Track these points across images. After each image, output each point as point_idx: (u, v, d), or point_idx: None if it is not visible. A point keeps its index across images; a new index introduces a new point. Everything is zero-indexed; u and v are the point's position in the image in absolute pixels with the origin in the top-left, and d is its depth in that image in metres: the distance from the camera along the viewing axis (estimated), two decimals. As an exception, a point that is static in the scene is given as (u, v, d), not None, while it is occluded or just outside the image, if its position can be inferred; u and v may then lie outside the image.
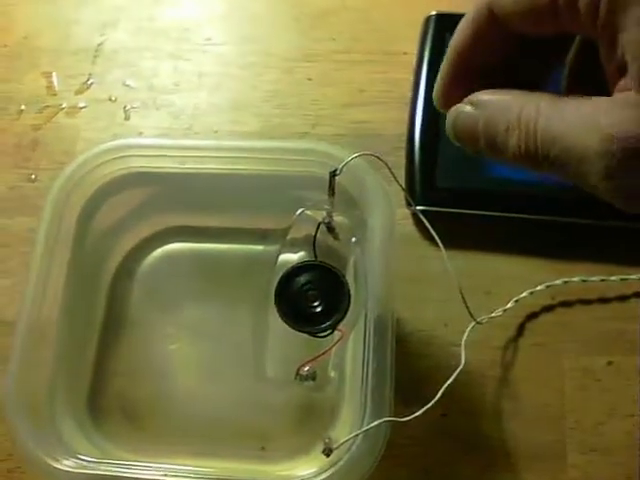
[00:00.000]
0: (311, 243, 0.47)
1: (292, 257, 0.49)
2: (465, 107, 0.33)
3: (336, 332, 0.46)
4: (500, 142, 0.32)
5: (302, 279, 0.46)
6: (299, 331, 0.46)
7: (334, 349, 0.47)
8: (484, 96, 0.33)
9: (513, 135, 0.30)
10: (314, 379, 0.48)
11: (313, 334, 0.46)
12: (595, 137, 0.27)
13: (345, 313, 0.45)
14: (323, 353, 0.47)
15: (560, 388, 0.55)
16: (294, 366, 0.48)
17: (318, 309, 0.46)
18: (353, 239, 0.50)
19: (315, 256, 0.47)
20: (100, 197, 0.56)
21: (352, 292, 0.46)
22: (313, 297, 0.46)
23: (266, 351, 0.50)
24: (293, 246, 0.49)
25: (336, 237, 0.48)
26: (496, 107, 0.32)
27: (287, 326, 0.45)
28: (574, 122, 0.28)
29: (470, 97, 0.33)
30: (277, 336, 0.49)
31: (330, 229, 0.48)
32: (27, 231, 0.63)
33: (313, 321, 0.45)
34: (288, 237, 0.49)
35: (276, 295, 0.45)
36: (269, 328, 0.49)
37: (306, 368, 0.48)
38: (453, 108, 0.34)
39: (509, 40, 0.32)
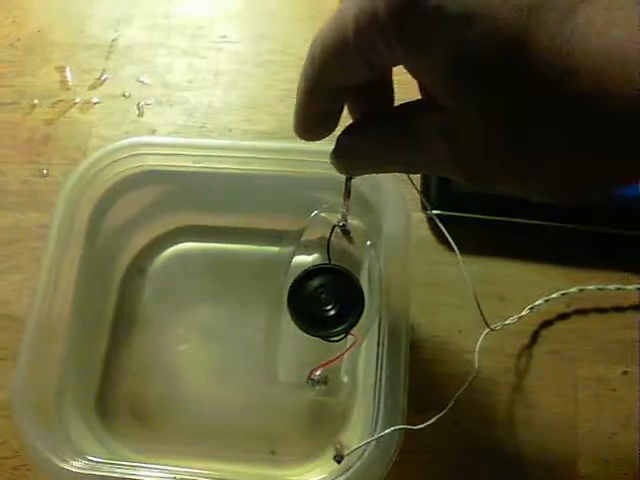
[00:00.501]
0: (325, 246, 0.47)
1: (306, 259, 0.49)
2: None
3: (349, 337, 0.46)
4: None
5: (315, 282, 0.45)
6: (312, 335, 0.45)
7: (347, 354, 0.47)
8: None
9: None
10: (325, 383, 0.48)
11: (326, 338, 0.45)
12: None
13: (358, 317, 0.45)
14: (336, 358, 0.47)
15: (574, 397, 0.54)
16: (306, 370, 0.47)
17: (331, 313, 0.45)
18: (368, 242, 0.49)
19: (329, 259, 0.46)
20: (113, 195, 0.55)
21: (366, 296, 0.45)
22: (326, 301, 0.45)
23: (278, 354, 0.50)
24: (307, 248, 0.49)
25: (350, 240, 0.48)
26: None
27: (299, 330, 0.45)
28: None
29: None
30: (289, 339, 0.49)
31: (345, 232, 0.48)
32: (38, 227, 0.63)
33: (326, 325, 0.45)
34: (302, 239, 0.49)
35: (289, 298, 0.45)
36: (281, 331, 0.49)
37: (318, 372, 0.47)
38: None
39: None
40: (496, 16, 0.26)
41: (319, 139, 0.37)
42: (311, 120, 0.36)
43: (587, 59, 0.25)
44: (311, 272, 0.46)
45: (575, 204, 0.52)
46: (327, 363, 0.47)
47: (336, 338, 0.45)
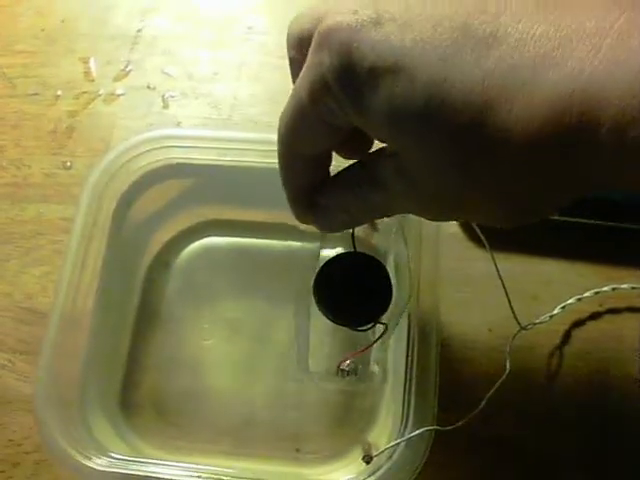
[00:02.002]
0: (349, 239, 0.46)
1: (331, 253, 0.48)
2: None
3: (379, 326, 0.45)
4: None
5: (342, 270, 0.45)
6: (338, 324, 0.44)
7: (376, 343, 0.46)
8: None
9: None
10: (356, 373, 0.47)
11: (353, 327, 0.44)
12: None
13: (386, 306, 0.44)
14: (366, 348, 0.46)
15: (606, 398, 0.53)
16: (336, 360, 0.47)
17: (358, 301, 0.44)
18: (394, 229, 0.48)
19: (354, 247, 0.45)
20: (138, 188, 0.55)
21: (394, 285, 0.45)
22: (353, 289, 0.44)
23: (308, 346, 0.48)
24: (331, 242, 0.48)
25: (375, 229, 0.47)
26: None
27: (327, 319, 0.44)
28: None
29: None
30: (318, 330, 0.48)
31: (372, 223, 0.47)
32: (61, 219, 0.63)
33: (353, 314, 0.44)
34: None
35: (315, 286, 0.44)
36: (310, 322, 0.48)
37: (347, 362, 0.47)
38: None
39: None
40: (417, 67, 0.29)
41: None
42: (303, 199, 0.39)
43: (502, 92, 0.27)
44: (337, 260, 0.45)
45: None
46: (356, 353, 0.46)
47: (363, 327, 0.44)
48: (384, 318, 0.44)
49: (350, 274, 0.44)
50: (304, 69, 0.32)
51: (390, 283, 0.44)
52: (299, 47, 0.34)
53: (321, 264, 0.46)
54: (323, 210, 0.39)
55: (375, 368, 0.49)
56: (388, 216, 0.40)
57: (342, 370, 0.47)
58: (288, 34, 0.35)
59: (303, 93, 0.32)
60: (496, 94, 0.27)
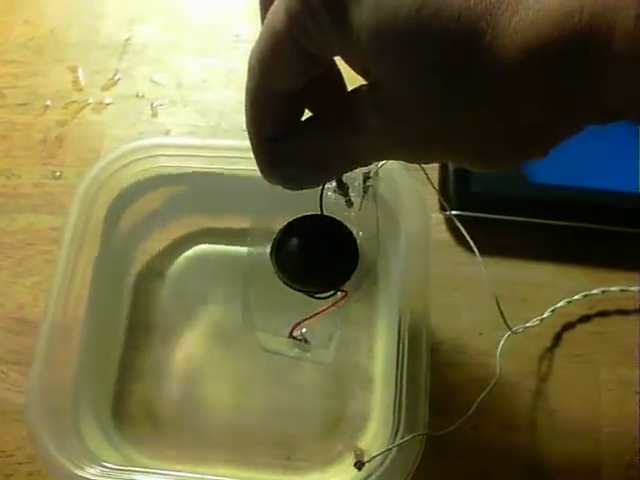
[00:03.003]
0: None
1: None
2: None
3: (339, 293, 0.41)
4: None
5: (304, 233, 0.41)
6: (295, 289, 0.41)
7: (333, 308, 0.42)
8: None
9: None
10: (306, 341, 0.43)
11: (311, 294, 0.41)
12: None
13: (350, 273, 0.40)
14: (320, 312, 0.41)
15: (597, 401, 0.53)
16: (287, 324, 0.43)
17: (319, 266, 0.40)
18: (364, 186, 0.44)
19: (321, 209, 0.41)
20: (128, 197, 0.55)
21: (362, 249, 0.41)
22: (314, 253, 0.41)
23: (257, 305, 0.45)
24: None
25: (349, 204, 0.43)
26: None
27: (283, 283, 0.40)
28: None
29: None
30: (273, 288, 0.43)
31: (340, 186, 0.42)
32: (51, 229, 0.63)
33: (312, 280, 0.40)
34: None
35: (273, 248, 0.41)
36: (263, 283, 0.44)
37: (302, 330, 0.43)
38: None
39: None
40: None
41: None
42: (272, 151, 0.35)
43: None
44: (301, 221, 0.41)
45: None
46: (310, 317, 0.42)
47: (323, 295, 0.41)
48: (347, 286, 0.41)
49: (313, 237, 0.41)
50: None
51: (356, 249, 0.41)
52: None
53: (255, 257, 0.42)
54: (287, 159, 0.35)
55: (329, 337, 0.45)
56: (362, 165, 0.36)
57: (294, 337, 0.43)
58: None
59: (278, 14, 0.30)
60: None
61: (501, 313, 0.49)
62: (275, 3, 0.30)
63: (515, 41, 0.25)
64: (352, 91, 0.33)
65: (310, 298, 0.41)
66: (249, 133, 0.35)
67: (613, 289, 0.55)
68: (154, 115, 0.67)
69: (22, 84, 0.71)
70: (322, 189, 0.40)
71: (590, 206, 0.56)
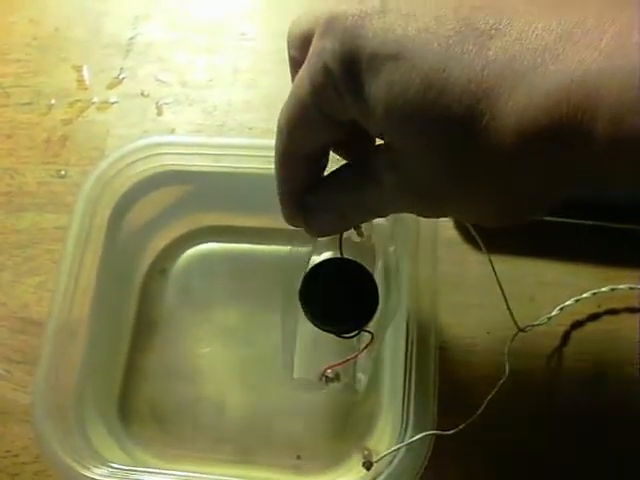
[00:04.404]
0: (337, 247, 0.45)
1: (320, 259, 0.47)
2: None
3: (366, 335, 0.44)
4: None
5: (328, 276, 0.44)
6: (323, 330, 0.43)
7: (363, 352, 0.45)
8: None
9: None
10: (339, 380, 0.47)
11: (338, 334, 0.44)
12: None
13: (372, 313, 0.43)
14: (351, 357, 0.45)
15: (606, 398, 0.53)
16: (320, 367, 0.47)
17: (344, 308, 0.43)
18: (383, 237, 0.48)
19: (341, 252, 0.44)
20: (133, 195, 0.55)
21: (382, 293, 0.44)
22: (339, 295, 0.43)
23: (294, 352, 0.48)
24: (322, 247, 0.48)
25: (360, 234, 0.46)
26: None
27: (314, 326, 0.43)
28: None
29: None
30: (304, 336, 0.48)
31: (356, 226, 0.46)
32: (56, 228, 0.62)
33: (338, 321, 0.43)
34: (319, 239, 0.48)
35: (301, 292, 0.43)
36: (297, 329, 0.48)
37: (331, 370, 0.46)
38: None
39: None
40: (418, 56, 0.29)
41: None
42: (296, 200, 0.38)
43: (502, 82, 0.28)
44: (324, 265, 0.44)
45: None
46: (342, 362, 0.46)
47: (349, 334, 0.44)
48: (371, 326, 0.44)
49: (337, 280, 0.44)
50: (306, 61, 0.33)
51: (377, 291, 0.43)
52: (300, 46, 0.34)
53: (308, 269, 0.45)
54: (313, 211, 0.38)
55: (360, 377, 0.49)
56: (379, 217, 0.40)
57: (326, 377, 0.47)
58: (289, 33, 0.36)
59: (304, 84, 0.33)
60: (495, 83, 0.28)
61: (510, 312, 0.49)
62: (301, 72, 0.33)
63: (510, 123, 0.27)
64: (372, 150, 0.35)
65: (340, 343, 0.44)
66: (278, 185, 0.38)
67: (622, 287, 0.55)
68: (159, 114, 0.67)
69: (26, 83, 0.70)
70: (341, 235, 0.43)
71: (599, 204, 0.56)
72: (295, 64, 0.36)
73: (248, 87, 0.68)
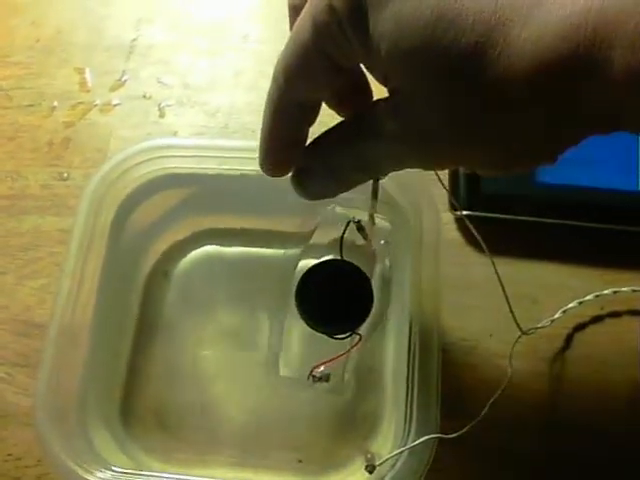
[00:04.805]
0: (335, 249, 0.45)
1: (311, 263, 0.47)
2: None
3: (356, 336, 0.44)
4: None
5: (325, 277, 0.44)
6: (317, 331, 0.44)
7: (352, 352, 0.46)
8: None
9: None
10: (327, 381, 0.47)
11: (330, 335, 0.44)
12: None
13: (366, 316, 0.43)
14: (339, 356, 0.45)
15: (608, 402, 0.53)
16: (308, 367, 0.47)
17: (338, 310, 0.43)
18: (382, 241, 0.48)
19: (341, 255, 0.44)
20: (135, 198, 0.55)
21: (376, 295, 0.44)
22: (334, 297, 0.44)
23: (281, 350, 0.49)
24: (314, 251, 0.47)
25: (365, 237, 0.46)
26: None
27: (306, 325, 0.44)
28: None
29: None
30: (293, 335, 0.48)
31: (360, 228, 0.46)
32: (58, 231, 0.62)
33: (332, 321, 0.43)
34: (311, 241, 0.48)
35: (297, 292, 0.43)
36: (286, 327, 0.48)
37: (320, 369, 0.46)
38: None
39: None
40: None
41: (285, 174, 0.38)
42: (280, 151, 0.37)
43: (516, 10, 0.27)
44: (321, 266, 0.44)
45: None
46: (330, 361, 0.45)
47: (341, 335, 0.44)
48: (361, 329, 0.44)
49: (333, 282, 0.44)
50: (308, 2, 0.32)
51: (372, 293, 0.44)
52: None
53: (300, 272, 0.45)
54: (306, 171, 0.37)
55: (347, 376, 0.49)
56: (377, 174, 0.38)
57: (313, 376, 0.46)
58: None
59: (306, 25, 0.31)
60: (510, 12, 0.27)
61: (512, 314, 0.48)
62: (302, 14, 0.32)
63: (525, 52, 0.26)
64: (372, 103, 0.34)
65: (328, 343, 0.45)
66: (263, 135, 0.37)
67: (625, 289, 0.54)
68: (161, 116, 0.67)
69: (28, 85, 0.70)
70: (342, 236, 0.44)
71: (601, 206, 0.56)
72: (295, 11, 0.34)
73: (250, 89, 0.68)
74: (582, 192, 0.56)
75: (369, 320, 0.44)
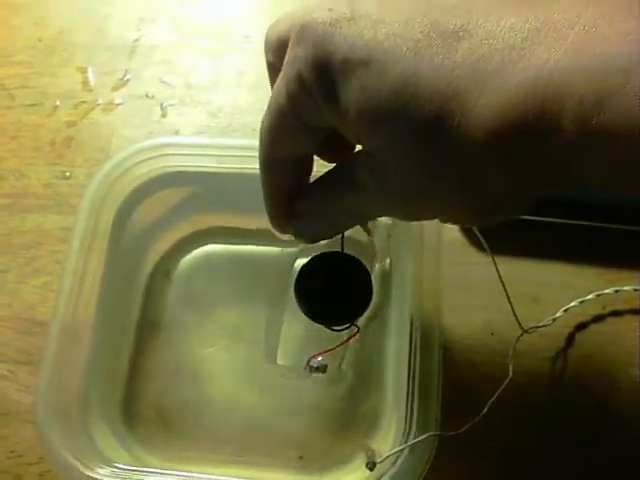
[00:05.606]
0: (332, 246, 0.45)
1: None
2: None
3: (354, 327, 0.44)
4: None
5: (325, 269, 0.44)
6: (315, 322, 0.43)
7: (348, 343, 0.46)
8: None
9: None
10: (324, 371, 0.48)
11: (329, 326, 0.44)
12: None
13: (365, 308, 0.43)
14: (337, 346, 0.46)
15: (609, 401, 0.53)
16: (305, 357, 0.47)
17: (338, 301, 0.43)
18: (387, 236, 0.48)
19: (342, 247, 0.44)
20: (137, 196, 0.55)
21: (375, 288, 0.44)
22: (334, 288, 0.43)
23: (278, 338, 0.49)
24: (310, 250, 0.47)
25: (366, 231, 0.46)
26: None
27: (305, 317, 0.43)
28: None
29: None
30: (292, 325, 0.49)
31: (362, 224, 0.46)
32: (60, 229, 0.63)
33: (331, 313, 0.43)
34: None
35: (296, 283, 0.43)
36: (285, 317, 0.48)
37: (317, 359, 0.47)
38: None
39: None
40: (388, 60, 0.29)
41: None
42: (283, 205, 0.39)
43: (471, 82, 0.28)
44: (322, 258, 0.44)
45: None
46: (327, 351, 0.46)
47: (339, 327, 0.44)
48: (360, 321, 0.44)
49: (333, 273, 0.44)
50: (282, 70, 0.33)
51: (371, 287, 0.44)
52: (277, 52, 0.35)
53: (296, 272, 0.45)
54: (302, 217, 0.39)
55: (344, 367, 0.50)
56: (367, 220, 0.41)
57: (310, 366, 0.47)
58: (266, 39, 0.36)
59: (281, 92, 0.33)
60: (465, 83, 0.28)
61: (514, 313, 0.48)
62: (278, 81, 0.34)
63: (480, 120, 0.28)
64: (354, 155, 0.36)
65: (327, 334, 0.45)
66: (263, 193, 0.39)
67: (626, 288, 0.54)
68: (164, 115, 0.67)
69: (31, 85, 0.71)
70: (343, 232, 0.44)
71: (603, 205, 0.56)
72: (273, 69, 0.36)
73: (252, 89, 0.68)
74: (584, 192, 0.56)
75: (367, 313, 0.44)
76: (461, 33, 0.28)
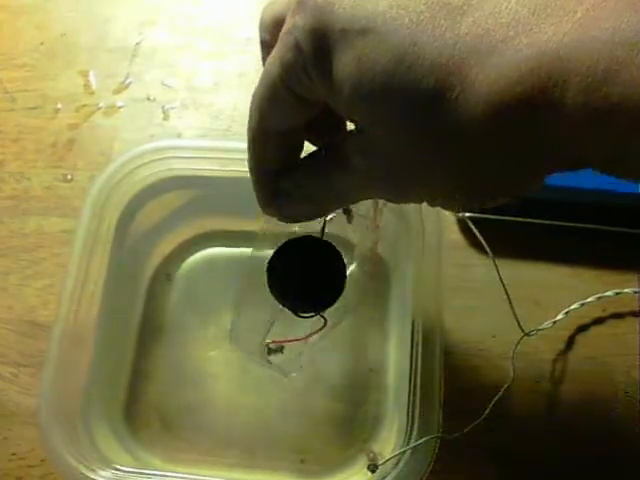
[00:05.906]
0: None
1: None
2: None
3: (323, 319, 0.44)
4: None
5: (300, 254, 0.43)
6: (282, 305, 0.43)
7: (314, 337, 0.46)
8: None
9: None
10: (281, 352, 0.47)
11: (295, 313, 0.43)
12: None
13: (334, 300, 0.42)
14: (301, 338, 0.46)
15: (611, 403, 0.53)
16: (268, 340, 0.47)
17: (308, 288, 0.42)
18: (367, 227, 0.47)
19: (322, 234, 0.43)
20: (140, 200, 0.55)
21: (352, 285, 0.43)
22: (306, 274, 0.43)
23: (241, 318, 0.49)
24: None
25: (350, 221, 0.45)
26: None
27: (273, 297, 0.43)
28: None
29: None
30: (259, 307, 0.47)
31: (346, 211, 0.45)
32: (62, 232, 0.63)
33: (299, 300, 0.42)
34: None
35: (269, 265, 0.43)
36: (252, 298, 0.48)
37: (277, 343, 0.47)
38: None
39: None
40: (388, 30, 0.28)
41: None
42: (269, 182, 0.38)
43: (473, 55, 0.27)
44: (298, 243, 0.43)
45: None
46: (290, 341, 0.46)
47: (306, 315, 0.43)
48: (328, 313, 0.43)
49: (307, 258, 0.43)
50: (278, 40, 0.32)
51: (344, 279, 0.43)
52: (272, 30, 0.34)
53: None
54: (286, 197, 0.38)
55: (302, 362, 0.50)
56: (351, 203, 0.40)
57: (269, 348, 0.47)
58: (261, 17, 0.36)
59: (275, 63, 0.32)
60: (467, 57, 0.27)
61: (515, 315, 0.49)
62: (272, 53, 0.33)
63: (481, 95, 0.27)
64: (342, 136, 0.35)
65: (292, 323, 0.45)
66: (250, 168, 0.38)
67: (626, 291, 0.55)
68: (165, 118, 0.67)
69: (33, 88, 0.71)
70: (325, 219, 0.43)
71: (604, 208, 0.56)
72: (267, 47, 0.35)
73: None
74: (585, 194, 0.56)
75: (339, 308, 0.43)
76: (466, 7, 0.28)
